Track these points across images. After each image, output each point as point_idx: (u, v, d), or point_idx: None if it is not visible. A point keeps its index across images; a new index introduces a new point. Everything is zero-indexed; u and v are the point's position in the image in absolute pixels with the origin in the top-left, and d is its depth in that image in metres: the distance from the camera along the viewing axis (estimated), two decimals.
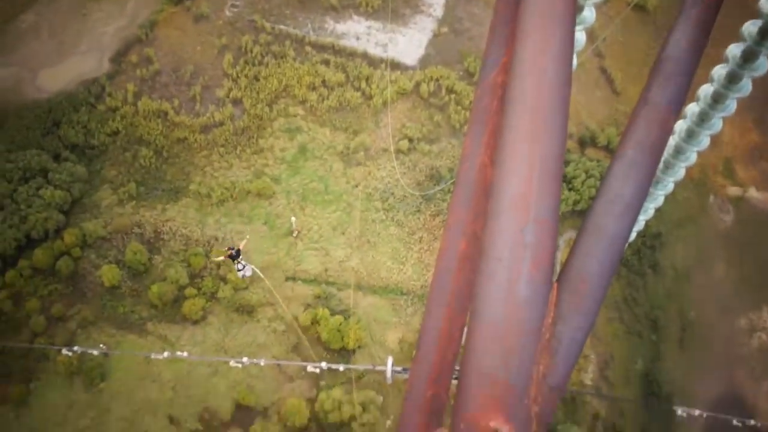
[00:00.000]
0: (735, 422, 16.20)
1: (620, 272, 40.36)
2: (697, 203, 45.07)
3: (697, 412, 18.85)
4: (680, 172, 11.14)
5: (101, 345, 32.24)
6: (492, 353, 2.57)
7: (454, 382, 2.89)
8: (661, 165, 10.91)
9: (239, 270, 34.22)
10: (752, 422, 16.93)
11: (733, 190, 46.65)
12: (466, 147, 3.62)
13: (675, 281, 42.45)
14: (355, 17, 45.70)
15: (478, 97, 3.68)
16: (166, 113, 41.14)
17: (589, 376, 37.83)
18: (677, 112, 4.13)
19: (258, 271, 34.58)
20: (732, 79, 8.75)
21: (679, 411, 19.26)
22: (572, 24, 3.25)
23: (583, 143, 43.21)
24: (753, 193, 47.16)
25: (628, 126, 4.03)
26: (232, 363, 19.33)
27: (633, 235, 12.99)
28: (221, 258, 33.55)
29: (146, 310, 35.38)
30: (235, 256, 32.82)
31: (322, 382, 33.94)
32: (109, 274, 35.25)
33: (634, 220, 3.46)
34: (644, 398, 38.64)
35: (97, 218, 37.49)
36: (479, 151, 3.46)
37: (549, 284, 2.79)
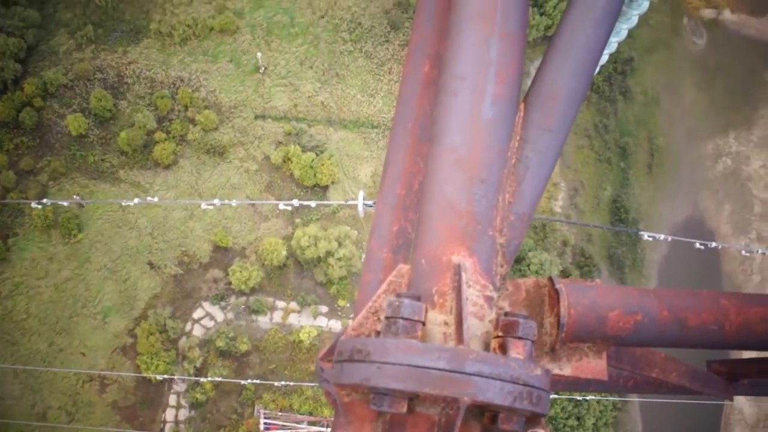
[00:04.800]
0: (698, 245, 16.59)
1: (590, 99, 40.18)
2: (670, 26, 44.17)
3: (661, 237, 19.37)
4: None
5: (74, 196, 32.19)
6: (453, 181, 2.41)
7: None
8: None
9: None
10: (713, 244, 17.41)
11: (708, 13, 45.61)
12: None
13: (645, 107, 42.45)
14: None
15: None
16: None
17: (558, 204, 38.62)
18: None
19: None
20: None
21: (646, 236, 19.79)
22: None
23: None
24: (727, 15, 46.15)
25: None
26: (203, 206, 19.42)
27: (605, 58, 12.73)
28: None
29: (116, 157, 35.12)
30: None
31: (297, 220, 34.45)
32: (75, 123, 34.61)
33: (610, 28, 3.17)
34: (612, 224, 39.73)
35: (57, 65, 36.27)
36: None
37: (516, 103, 2.61)
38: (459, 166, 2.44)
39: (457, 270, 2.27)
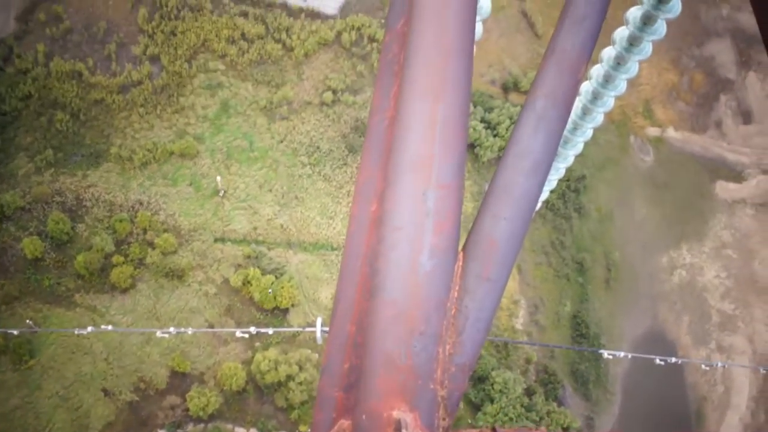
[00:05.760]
0: (658, 361, 16.56)
1: (546, 216, 41.08)
2: (618, 145, 45.89)
3: (621, 354, 19.36)
4: (598, 118, 11.00)
5: (28, 320, 31.50)
6: (393, 334, 2.40)
7: None
8: (579, 111, 10.81)
9: None
10: (673, 360, 17.40)
11: (653, 131, 47.63)
12: (375, 99, 3.31)
13: (599, 223, 43.44)
14: None
15: (386, 46, 3.36)
16: (80, 74, 39.50)
17: (519, 321, 38.74)
18: (588, 58, 3.84)
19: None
20: (647, 21, 8.66)
21: (606, 354, 19.70)
22: None
23: (506, 88, 43.35)
24: (671, 132, 48.24)
25: (538, 75, 3.72)
26: (158, 334, 19.06)
27: (551, 187, 13.05)
28: None
29: (73, 281, 34.56)
30: None
31: (257, 344, 33.94)
32: (31, 246, 34.15)
33: (545, 177, 3.21)
34: (573, 339, 39.82)
35: (14, 188, 36.11)
36: (388, 104, 3.16)
37: (454, 253, 2.61)
38: (398, 319, 2.43)
39: (398, 426, 2.25)
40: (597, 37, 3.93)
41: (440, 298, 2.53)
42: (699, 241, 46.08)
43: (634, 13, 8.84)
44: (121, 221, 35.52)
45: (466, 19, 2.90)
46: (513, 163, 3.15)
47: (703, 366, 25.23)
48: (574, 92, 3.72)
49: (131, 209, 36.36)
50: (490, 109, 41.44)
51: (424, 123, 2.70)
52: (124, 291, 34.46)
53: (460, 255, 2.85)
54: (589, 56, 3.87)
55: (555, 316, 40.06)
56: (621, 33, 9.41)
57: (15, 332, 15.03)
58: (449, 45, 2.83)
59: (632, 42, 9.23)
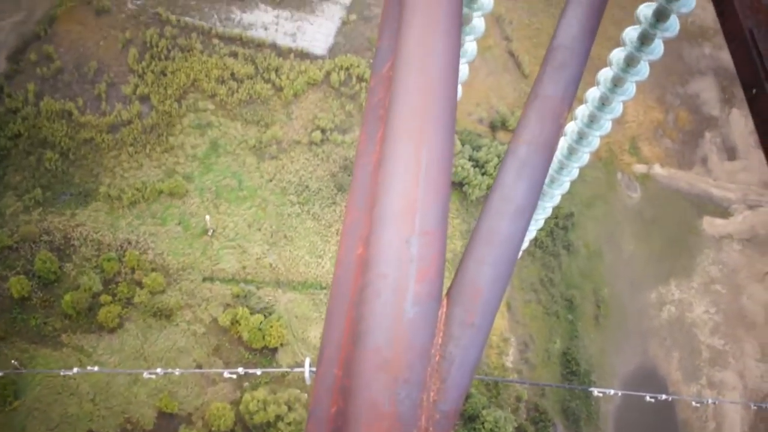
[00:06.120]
0: (648, 398, 16.46)
1: (535, 254, 41.19)
2: (605, 182, 46.25)
3: (611, 392, 19.26)
4: (584, 158, 11.15)
5: (13, 361, 31.18)
6: (377, 382, 2.38)
7: None
8: (564, 151, 10.95)
9: None
10: (663, 397, 17.32)
11: (639, 168, 48.09)
12: (360, 143, 3.31)
13: (588, 260, 43.57)
14: (262, 6, 44.89)
15: (372, 89, 3.37)
16: (70, 113, 39.66)
17: (509, 359, 38.60)
18: (570, 103, 3.88)
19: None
20: (630, 62, 8.82)
21: (596, 392, 19.56)
22: (458, 13, 3.00)
23: (494, 127, 43.77)
24: (658, 169, 48.71)
25: (520, 121, 3.75)
26: (146, 374, 18.92)
27: (538, 227, 13.13)
28: None
29: (60, 320, 34.30)
30: None
31: (246, 384, 33.65)
32: (17, 285, 33.94)
33: (528, 221, 3.23)
34: (563, 376, 39.67)
35: (2, 227, 35.99)
36: (374, 148, 3.15)
37: (438, 300, 2.60)
38: (382, 367, 2.40)
39: None
40: (579, 82, 4.00)
41: (424, 345, 2.52)
42: (687, 276, 46.22)
43: (618, 54, 9.03)
44: (109, 260, 35.39)
45: (450, 63, 2.93)
46: (496, 209, 3.18)
47: (693, 403, 25.04)
48: (556, 138, 3.76)
49: (119, 248, 36.25)
50: (478, 148, 41.79)
51: (407, 168, 2.72)
52: (112, 331, 34.20)
53: (445, 301, 2.85)
54: (571, 102, 3.94)
55: (545, 353, 39.94)
56: (605, 73, 9.60)
57: (0, 373, 14.92)
58: (433, 90, 2.85)
59: (616, 83, 9.42)
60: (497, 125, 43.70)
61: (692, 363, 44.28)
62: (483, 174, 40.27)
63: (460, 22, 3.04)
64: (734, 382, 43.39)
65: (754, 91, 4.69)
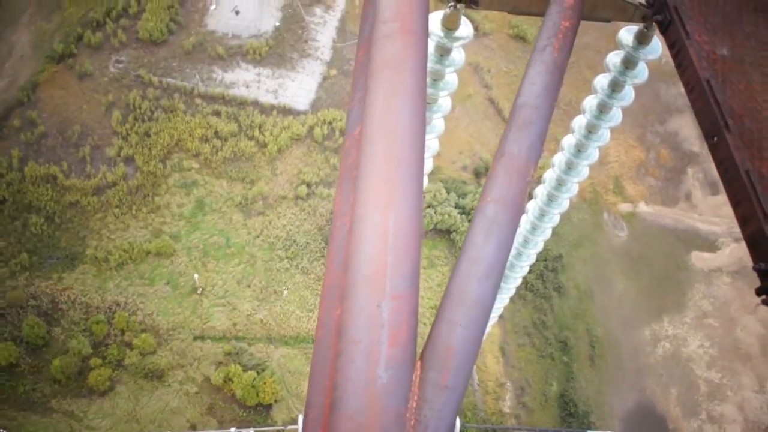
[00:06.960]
0: None
1: (526, 297, 41.16)
2: (592, 222, 46.48)
3: None
4: (564, 204, 11.19)
5: (1, 429, 30.70)
6: None
7: None
8: (544, 198, 11.00)
9: None
10: None
11: (625, 207, 48.44)
12: (336, 204, 3.37)
13: (579, 300, 43.52)
14: (243, 65, 45.42)
15: (345, 152, 3.43)
16: (55, 177, 39.70)
17: (506, 404, 38.24)
18: (536, 160, 3.94)
19: None
20: (602, 109, 8.95)
21: None
22: (423, 77, 3.01)
23: (477, 174, 44.12)
24: (643, 207, 49.07)
25: (488, 180, 3.82)
26: None
27: (533, 256, 13.13)
28: None
29: (49, 386, 33.82)
30: None
31: None
32: (5, 352, 33.51)
33: (499, 281, 3.24)
34: (562, 419, 39.25)
35: None
36: (348, 210, 3.17)
37: (411, 363, 2.59)
38: None
39: None
40: (544, 140, 4.07)
41: (398, 409, 2.52)
42: (680, 312, 46.16)
43: (590, 102, 9.20)
44: (98, 323, 35.11)
45: (416, 128, 2.99)
46: (466, 269, 3.21)
47: None
48: (523, 195, 3.83)
49: (108, 310, 35.97)
50: (463, 195, 42.06)
51: (376, 233, 2.75)
52: (103, 394, 33.75)
53: (418, 363, 2.89)
54: (537, 158, 4.00)
55: (542, 396, 39.60)
56: (579, 121, 9.77)
57: None
58: (399, 155, 2.90)
59: (591, 130, 9.58)
60: (481, 171, 44.06)
61: (691, 398, 43.96)
62: (470, 220, 40.42)
63: (424, 86, 3.11)
64: (734, 414, 43.05)
65: (714, 139, 4.81)
